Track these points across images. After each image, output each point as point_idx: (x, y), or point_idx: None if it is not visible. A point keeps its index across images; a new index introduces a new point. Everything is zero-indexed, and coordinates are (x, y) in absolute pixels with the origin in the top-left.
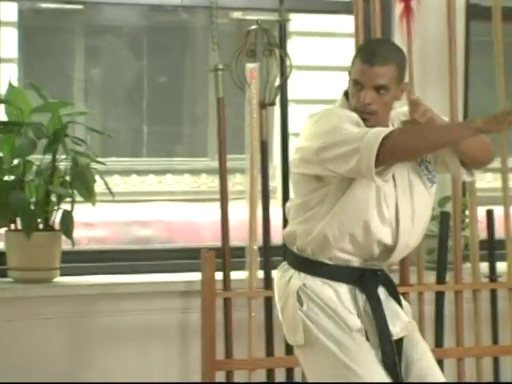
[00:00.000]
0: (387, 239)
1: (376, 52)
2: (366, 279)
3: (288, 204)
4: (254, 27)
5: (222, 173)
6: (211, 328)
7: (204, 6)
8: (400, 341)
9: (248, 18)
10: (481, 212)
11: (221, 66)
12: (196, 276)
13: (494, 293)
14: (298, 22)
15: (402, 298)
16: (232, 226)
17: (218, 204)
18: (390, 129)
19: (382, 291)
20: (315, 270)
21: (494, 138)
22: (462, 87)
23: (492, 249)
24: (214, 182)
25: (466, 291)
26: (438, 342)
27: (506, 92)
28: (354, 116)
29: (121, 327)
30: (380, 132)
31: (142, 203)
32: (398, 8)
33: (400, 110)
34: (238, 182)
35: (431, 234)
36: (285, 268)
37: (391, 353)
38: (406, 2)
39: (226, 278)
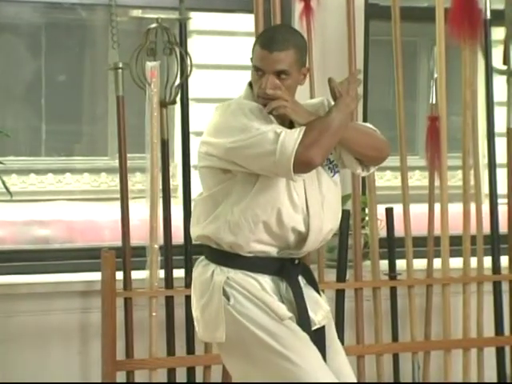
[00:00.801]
0: (300, 226)
1: (274, 38)
2: (286, 269)
3: (195, 199)
4: (153, 26)
5: (123, 172)
6: (111, 328)
7: (103, 4)
8: (322, 329)
9: (148, 16)
10: (380, 210)
11: (121, 65)
12: (96, 276)
13: (393, 290)
14: (198, 20)
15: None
16: (133, 225)
17: (118, 203)
18: (301, 130)
19: (300, 280)
20: (236, 263)
21: (394, 136)
22: (362, 86)
23: (392, 247)
24: (114, 181)
25: (365, 289)
26: (339, 340)
27: (404, 90)
28: (260, 109)
29: (20, 328)
30: (294, 135)
31: (41, 203)
32: (298, 7)
33: (308, 103)
34: (138, 181)
35: None
36: (204, 264)
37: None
38: (305, 1)
39: (127, 277)
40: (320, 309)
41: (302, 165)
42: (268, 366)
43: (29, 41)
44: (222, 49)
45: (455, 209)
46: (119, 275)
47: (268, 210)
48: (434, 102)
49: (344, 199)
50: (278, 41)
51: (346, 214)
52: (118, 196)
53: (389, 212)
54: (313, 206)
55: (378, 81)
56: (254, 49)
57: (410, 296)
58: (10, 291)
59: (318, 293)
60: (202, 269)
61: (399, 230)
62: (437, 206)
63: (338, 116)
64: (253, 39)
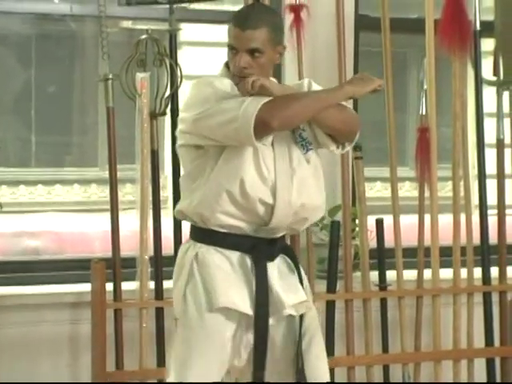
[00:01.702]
0: (268, 198)
1: (247, 16)
2: (258, 247)
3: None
4: (144, 37)
5: (113, 183)
6: (102, 339)
7: (93, 15)
8: (299, 319)
9: (138, 27)
10: (370, 221)
11: (111, 76)
12: (86, 287)
13: (383, 301)
14: (188, 31)
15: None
16: (123, 236)
17: (108, 214)
18: (268, 98)
19: (284, 264)
20: (208, 238)
21: (384, 148)
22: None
23: (382, 258)
24: (104, 192)
25: (356, 300)
26: (329, 351)
27: (394, 102)
28: (229, 82)
29: (10, 339)
30: (258, 100)
31: (31, 214)
32: (288, 18)
33: (290, 84)
34: (128, 192)
35: (322, 242)
36: (186, 242)
37: (263, 326)
38: (295, 12)
39: (117, 288)
40: (294, 294)
41: (260, 126)
42: (175, 353)
43: (19, 52)
44: (212, 60)
45: (445, 219)
46: (109, 286)
47: (231, 179)
48: (423, 113)
49: (334, 210)
50: (251, 19)
51: (335, 225)
52: (108, 207)
53: (379, 223)
54: (281, 178)
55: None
56: (229, 28)
57: (400, 307)
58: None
59: (302, 283)
60: (183, 246)
61: (389, 241)
62: (427, 217)
63: (322, 93)
64: None
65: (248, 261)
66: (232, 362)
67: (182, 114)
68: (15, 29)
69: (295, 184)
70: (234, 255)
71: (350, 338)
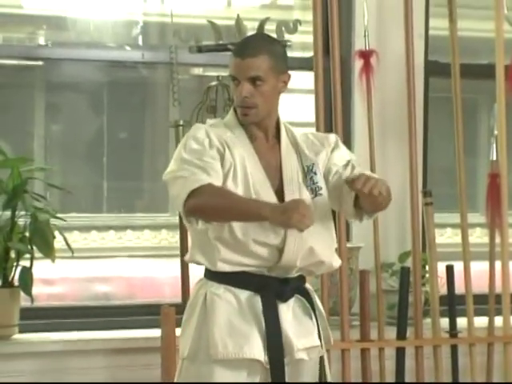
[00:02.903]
0: (268, 238)
1: (247, 45)
2: (268, 287)
3: None
4: (214, 83)
5: (182, 228)
6: None
7: (165, 62)
8: (308, 363)
9: (208, 74)
10: (441, 267)
11: (181, 122)
12: (156, 332)
13: (454, 348)
14: None
15: (323, 323)
16: (192, 281)
17: (178, 260)
18: (204, 182)
19: (299, 306)
20: (218, 277)
21: (454, 193)
22: (422, 143)
23: (452, 304)
24: (174, 238)
25: (426, 347)
26: None
27: (464, 147)
28: (202, 134)
29: None
30: (192, 183)
31: (102, 259)
32: (358, 64)
33: (310, 132)
34: None
35: (391, 289)
36: (200, 278)
37: (279, 369)
38: (365, 58)
39: None
40: (306, 338)
41: (190, 209)
42: None
43: (91, 99)
44: (281, 106)
45: None
46: (179, 332)
47: (219, 225)
48: (494, 158)
49: (404, 256)
50: (250, 47)
51: (405, 271)
52: (178, 253)
53: (449, 269)
54: None
55: (438, 138)
56: (230, 59)
57: (471, 354)
58: (70, 348)
59: (319, 328)
60: (196, 284)
61: (460, 288)
62: (498, 264)
63: (243, 204)
64: (312, 97)
65: (258, 300)
66: None
67: None
68: (88, 76)
69: None
70: (243, 294)
71: None
